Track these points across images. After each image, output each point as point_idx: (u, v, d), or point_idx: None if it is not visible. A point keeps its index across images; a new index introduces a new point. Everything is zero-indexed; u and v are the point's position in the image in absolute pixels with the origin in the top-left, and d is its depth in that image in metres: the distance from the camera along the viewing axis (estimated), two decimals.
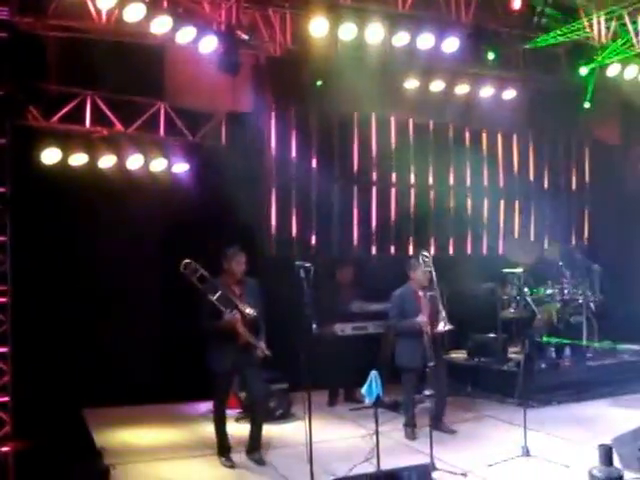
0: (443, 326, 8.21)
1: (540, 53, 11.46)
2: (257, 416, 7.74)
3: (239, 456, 7.61)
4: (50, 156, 9.11)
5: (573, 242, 13.33)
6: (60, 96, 9.36)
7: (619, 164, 13.84)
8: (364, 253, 11.99)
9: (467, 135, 13.01)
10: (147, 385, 9.59)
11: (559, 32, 10.44)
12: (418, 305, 8.33)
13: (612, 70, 11.11)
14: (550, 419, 9.02)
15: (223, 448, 7.61)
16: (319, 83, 10.14)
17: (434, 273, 8.24)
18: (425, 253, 8.45)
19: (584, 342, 10.58)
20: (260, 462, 7.47)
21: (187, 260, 7.28)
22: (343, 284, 10.49)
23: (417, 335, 8.21)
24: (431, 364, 7.91)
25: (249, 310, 7.31)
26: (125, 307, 9.83)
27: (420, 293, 8.39)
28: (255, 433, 7.65)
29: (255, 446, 7.62)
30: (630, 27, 11.20)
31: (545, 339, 9.83)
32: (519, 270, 10.24)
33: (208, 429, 8.77)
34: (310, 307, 6.95)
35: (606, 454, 6.42)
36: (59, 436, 7.33)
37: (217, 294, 7.25)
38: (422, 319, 8.20)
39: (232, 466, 7.43)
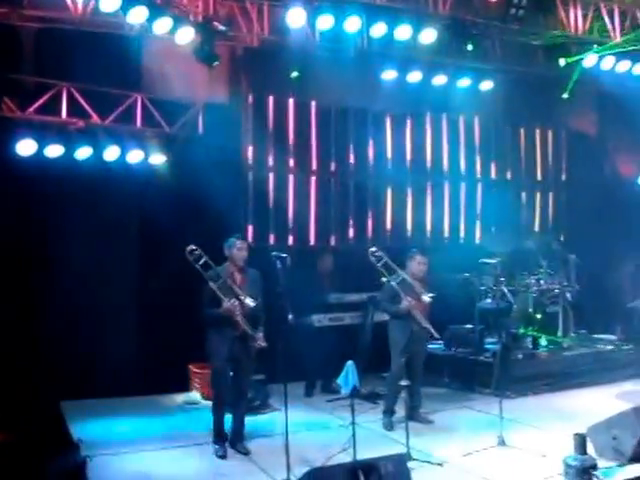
0: (426, 297, 8.38)
1: (517, 44, 11.51)
2: (241, 408, 7.77)
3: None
4: (25, 147, 9.03)
5: (550, 232, 13.40)
6: (36, 87, 9.31)
7: (596, 155, 13.92)
8: (341, 243, 11.99)
9: (444, 125, 13.00)
10: (124, 377, 9.58)
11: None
12: (409, 292, 8.38)
13: (589, 61, 11.17)
14: (526, 409, 9.10)
15: (219, 436, 7.60)
16: (294, 74, 10.12)
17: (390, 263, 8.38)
18: (373, 249, 8.52)
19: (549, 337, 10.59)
20: (245, 452, 7.50)
21: (192, 246, 7.35)
22: (321, 274, 10.50)
23: (406, 319, 8.36)
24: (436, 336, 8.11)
25: (249, 300, 7.33)
26: (102, 299, 9.78)
27: (413, 282, 8.45)
28: (238, 424, 7.69)
29: (239, 437, 7.66)
30: (606, 17, 11.31)
31: (522, 330, 9.87)
32: (495, 260, 10.30)
33: (185, 420, 8.82)
34: (286, 298, 6.97)
35: (581, 443, 6.51)
36: (36, 429, 7.29)
37: (218, 282, 7.30)
38: (407, 301, 8.28)
39: (224, 456, 7.42)
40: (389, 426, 8.40)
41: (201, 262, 7.33)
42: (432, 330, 8.47)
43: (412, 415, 8.10)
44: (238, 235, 7.77)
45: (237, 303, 7.33)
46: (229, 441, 7.65)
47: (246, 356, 7.57)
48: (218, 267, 7.47)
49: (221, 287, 7.33)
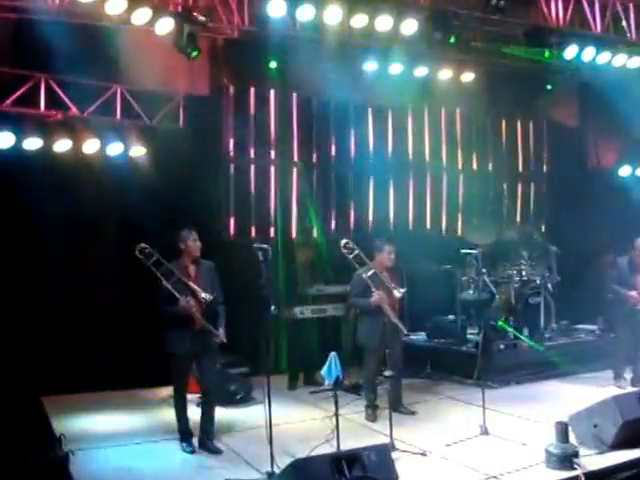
0: (397, 292, 8.29)
1: (499, 35, 11.51)
2: (208, 405, 7.60)
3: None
4: (3, 140, 8.95)
5: (531, 223, 13.45)
6: (13, 79, 9.20)
7: (577, 146, 13.99)
8: (322, 235, 11.96)
9: (426, 116, 13.01)
10: (107, 372, 9.50)
11: None
12: (379, 286, 8.33)
13: (569, 52, 11.18)
14: (508, 399, 9.15)
15: (184, 433, 7.53)
16: (273, 65, 10.08)
17: (362, 255, 8.32)
18: (344, 241, 8.47)
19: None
20: (215, 451, 7.37)
21: (142, 244, 7.18)
22: (303, 266, 10.48)
23: (377, 314, 8.26)
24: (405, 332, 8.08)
25: (204, 295, 7.22)
26: (83, 293, 9.71)
27: (383, 274, 8.41)
28: (207, 423, 7.54)
29: (208, 436, 7.50)
30: (587, 9, 11.34)
31: (500, 324, 9.86)
32: (476, 251, 10.33)
33: (168, 414, 8.75)
34: (268, 290, 6.92)
35: (562, 431, 6.57)
36: (17, 424, 7.24)
37: (172, 279, 7.17)
38: (378, 294, 8.22)
39: (193, 451, 7.37)
40: (372, 417, 8.39)
41: (152, 260, 7.16)
42: (401, 326, 8.37)
43: (395, 406, 8.09)
44: (188, 227, 7.57)
45: (192, 300, 7.19)
46: (198, 440, 7.52)
47: (208, 350, 7.44)
48: (170, 263, 7.29)
49: (175, 284, 7.18)
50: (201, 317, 7.26)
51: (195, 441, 7.50)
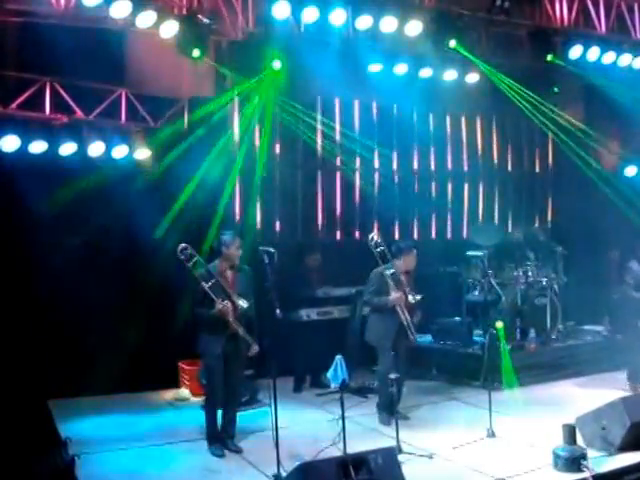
0: (412, 298, 8.24)
1: (503, 37, 11.49)
2: (231, 407, 7.67)
3: (204, 443, 7.57)
4: (9, 143, 8.96)
5: (537, 224, 13.43)
6: (19, 82, 9.20)
7: (582, 146, 13.93)
8: (329, 238, 11.95)
9: (431, 118, 12.96)
10: (113, 375, 9.47)
11: None
12: (398, 287, 8.25)
13: (574, 52, 11.17)
14: (515, 401, 9.13)
15: (214, 437, 7.51)
16: (277, 66, 10.08)
17: (387, 253, 8.26)
18: (373, 235, 8.43)
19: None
20: (237, 451, 7.44)
21: (183, 245, 7.21)
22: (311, 270, 10.48)
23: (391, 313, 8.23)
24: (413, 338, 8.06)
25: (241, 302, 7.24)
26: (90, 297, 9.68)
27: (402, 277, 8.34)
28: (229, 424, 7.60)
29: (231, 435, 7.59)
30: (592, 9, 11.33)
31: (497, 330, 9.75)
32: (482, 253, 10.27)
33: (174, 417, 8.78)
34: (273, 292, 6.91)
35: (570, 433, 6.57)
36: (23, 428, 7.24)
37: (210, 282, 7.19)
38: (396, 295, 8.17)
39: (222, 455, 7.34)
40: (386, 421, 8.21)
41: (193, 261, 7.20)
42: (411, 332, 8.30)
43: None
44: (233, 232, 7.63)
45: (229, 304, 7.21)
46: (219, 439, 7.55)
47: (238, 355, 7.48)
48: (209, 265, 7.37)
49: (213, 287, 7.20)
50: (235, 323, 7.28)
51: (200, 443, 7.52)
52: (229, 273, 7.50)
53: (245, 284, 7.54)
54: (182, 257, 7.17)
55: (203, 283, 7.18)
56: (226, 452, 7.42)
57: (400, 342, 8.26)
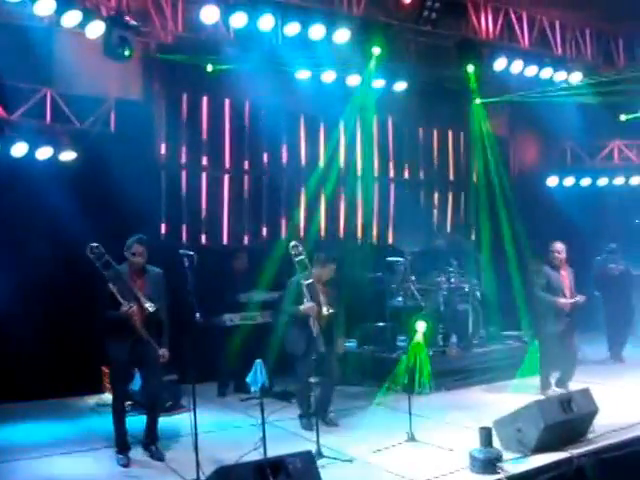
0: (326, 310, 8.22)
1: (430, 46, 11.71)
2: (151, 413, 7.54)
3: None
4: None
5: (460, 232, 13.68)
6: None
7: (505, 155, 14.28)
8: (256, 242, 11.95)
9: (358, 125, 13.03)
10: (34, 380, 9.29)
11: None
12: (313, 297, 8.24)
13: (499, 64, 11.48)
14: (436, 405, 9.29)
15: (120, 445, 7.32)
16: (209, 68, 10.07)
17: (307, 262, 8.29)
18: (294, 243, 8.44)
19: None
20: (159, 458, 7.29)
21: (94, 244, 7.01)
22: (234, 273, 10.47)
23: (304, 322, 8.18)
24: (321, 350, 8.00)
25: (148, 305, 7.08)
26: (10, 300, 9.47)
27: (319, 287, 8.36)
28: (150, 429, 7.48)
29: (154, 441, 7.46)
30: (516, 24, 11.67)
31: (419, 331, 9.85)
32: (402, 259, 10.39)
33: (97, 423, 8.64)
34: (193, 296, 6.85)
35: (486, 436, 6.71)
36: None
37: (118, 283, 7.04)
38: (308, 305, 8.15)
39: (126, 465, 7.13)
40: (308, 427, 8.18)
41: (102, 260, 7.01)
42: (320, 345, 8.12)
43: (320, 415, 7.93)
44: (141, 236, 7.38)
45: (135, 307, 7.04)
46: (142, 445, 7.46)
47: (149, 360, 7.28)
48: (119, 266, 7.16)
49: (121, 289, 7.04)
50: (141, 327, 7.10)
51: (131, 454, 7.33)
52: (137, 275, 7.32)
53: (154, 287, 7.35)
54: (92, 256, 6.97)
55: (110, 284, 7.01)
56: (147, 458, 7.31)
57: (328, 350, 8.25)
